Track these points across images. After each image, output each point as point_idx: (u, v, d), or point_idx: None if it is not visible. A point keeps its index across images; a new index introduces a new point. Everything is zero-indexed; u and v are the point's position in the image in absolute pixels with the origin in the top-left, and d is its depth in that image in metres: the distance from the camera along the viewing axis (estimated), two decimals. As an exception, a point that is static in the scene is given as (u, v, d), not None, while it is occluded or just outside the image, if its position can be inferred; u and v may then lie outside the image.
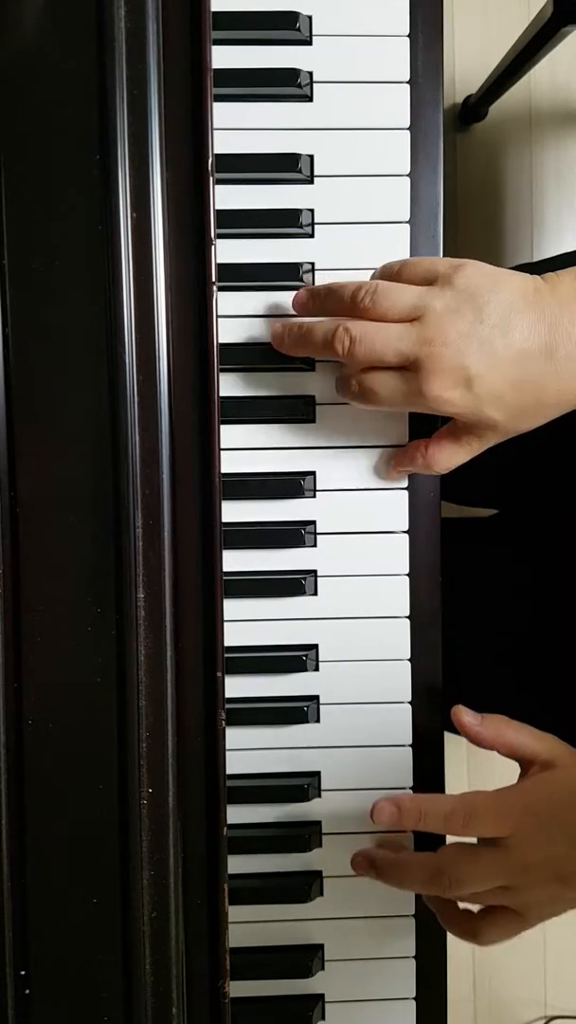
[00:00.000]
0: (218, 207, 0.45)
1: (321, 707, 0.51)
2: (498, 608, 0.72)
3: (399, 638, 0.51)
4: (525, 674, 0.69)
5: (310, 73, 0.49)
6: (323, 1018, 0.52)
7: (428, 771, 0.52)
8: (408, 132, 0.50)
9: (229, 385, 0.49)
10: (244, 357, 0.50)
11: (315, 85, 0.49)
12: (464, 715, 0.49)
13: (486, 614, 0.72)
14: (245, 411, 0.50)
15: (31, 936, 0.42)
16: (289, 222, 0.49)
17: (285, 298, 0.50)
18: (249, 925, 0.51)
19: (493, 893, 0.46)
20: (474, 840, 0.47)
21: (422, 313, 0.44)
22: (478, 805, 0.46)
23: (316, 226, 0.50)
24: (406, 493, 0.51)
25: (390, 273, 0.47)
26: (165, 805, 0.42)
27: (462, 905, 0.49)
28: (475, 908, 0.49)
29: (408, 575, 0.51)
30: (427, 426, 0.50)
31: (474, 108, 1.23)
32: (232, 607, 0.49)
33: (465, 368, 0.43)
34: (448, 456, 0.48)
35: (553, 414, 0.45)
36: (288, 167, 0.49)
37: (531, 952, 1.33)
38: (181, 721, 0.43)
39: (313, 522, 0.51)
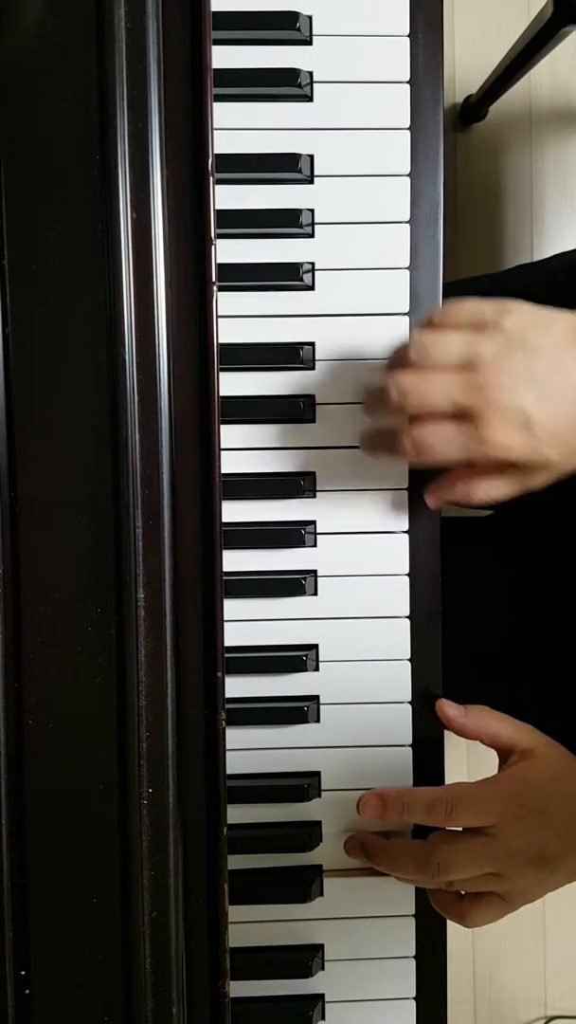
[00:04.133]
0: (218, 207, 0.45)
1: (321, 707, 0.51)
2: (496, 609, 0.72)
3: (399, 638, 0.51)
4: (524, 674, 0.69)
5: (310, 73, 0.49)
6: (323, 1018, 0.52)
7: (428, 771, 0.52)
8: (408, 132, 0.50)
9: (229, 385, 0.49)
10: (244, 357, 0.50)
11: (315, 85, 0.49)
12: (448, 708, 0.51)
13: (483, 614, 0.72)
14: (245, 411, 0.50)
15: (31, 936, 0.42)
16: (289, 222, 0.49)
17: (285, 298, 0.50)
18: (249, 925, 0.51)
19: (481, 880, 0.47)
20: (461, 829, 0.49)
21: (473, 360, 0.43)
22: (460, 795, 0.48)
23: (316, 226, 0.50)
24: (406, 493, 0.51)
25: (431, 322, 0.46)
26: (165, 805, 0.42)
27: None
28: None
29: (408, 575, 0.51)
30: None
31: (474, 108, 1.23)
32: (232, 607, 0.49)
33: (523, 411, 0.42)
34: (489, 488, 0.46)
35: None
36: (288, 167, 0.49)
37: (531, 952, 1.33)
38: (181, 721, 0.43)
39: (313, 522, 0.51)
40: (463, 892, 0.49)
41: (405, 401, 0.44)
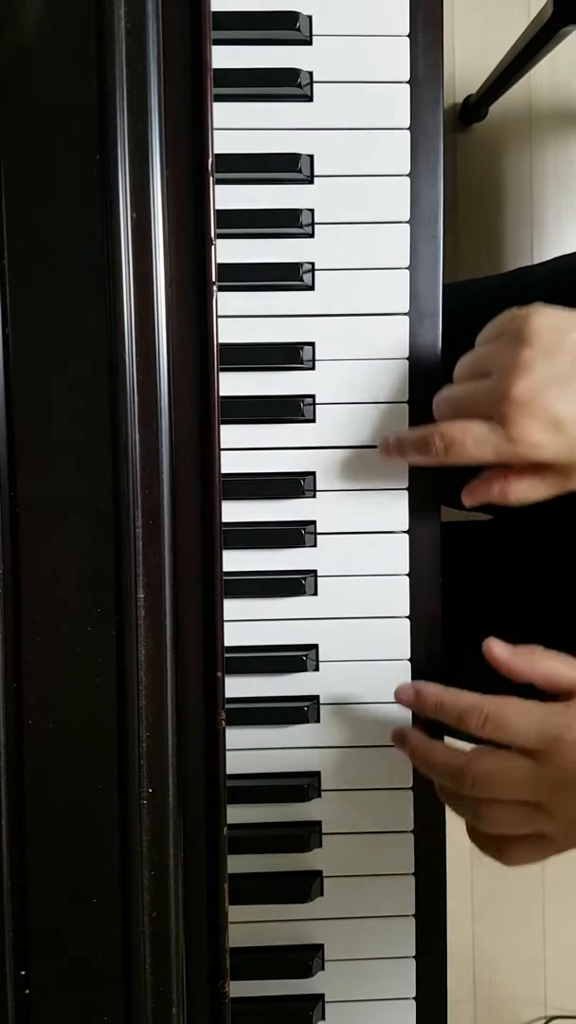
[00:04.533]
0: (218, 207, 0.45)
1: (321, 707, 0.51)
2: (495, 610, 0.72)
3: (399, 638, 0.51)
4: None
5: (310, 73, 0.49)
6: (323, 1018, 0.52)
7: (428, 771, 0.52)
8: (408, 132, 0.50)
9: (229, 385, 0.49)
10: (244, 357, 0.50)
11: (315, 85, 0.49)
12: (495, 647, 0.48)
13: (483, 616, 0.72)
14: (245, 411, 0.50)
15: (31, 936, 0.42)
16: (289, 222, 0.49)
17: (285, 298, 0.50)
18: (249, 925, 0.51)
19: (523, 814, 0.44)
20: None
21: (501, 363, 0.44)
22: (506, 707, 0.45)
23: (316, 226, 0.50)
24: (406, 493, 0.51)
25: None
26: (165, 805, 0.42)
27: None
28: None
29: (408, 575, 0.51)
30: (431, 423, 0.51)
31: (474, 108, 1.23)
32: (232, 607, 0.49)
33: (550, 411, 0.43)
34: (527, 489, 0.46)
35: None
36: (288, 167, 0.49)
37: (531, 952, 1.33)
38: (181, 721, 0.43)
39: (313, 522, 0.51)
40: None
41: (437, 411, 0.48)
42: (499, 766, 0.44)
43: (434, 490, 0.51)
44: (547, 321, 0.44)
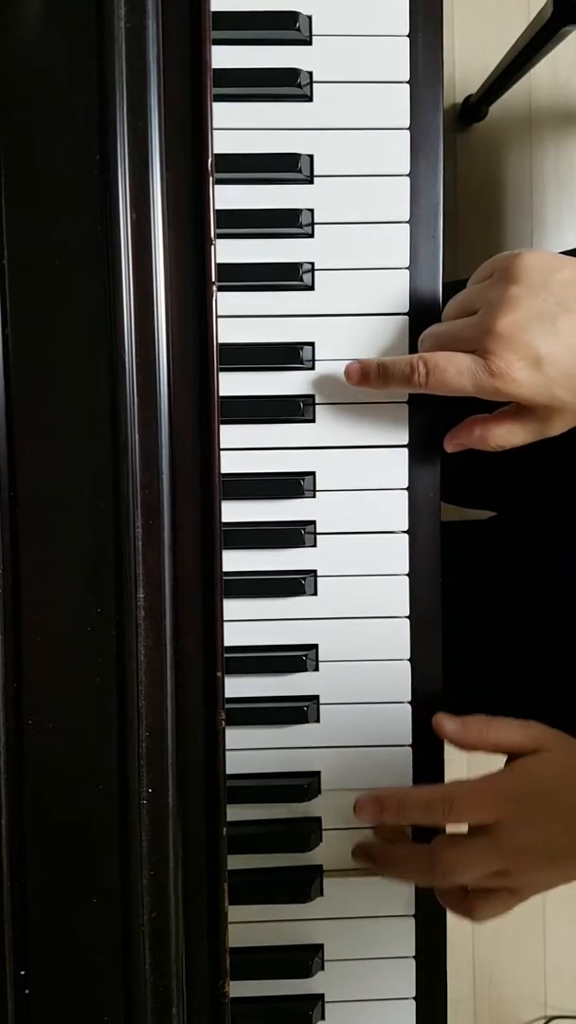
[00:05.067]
0: (218, 207, 0.45)
1: (321, 707, 0.51)
2: (495, 609, 0.72)
3: (399, 638, 0.51)
4: (524, 674, 0.69)
5: (310, 73, 0.49)
6: (323, 1018, 0.52)
7: (428, 771, 0.52)
8: (408, 132, 0.50)
9: (229, 385, 0.49)
10: (244, 357, 0.50)
11: (315, 85, 0.49)
12: (444, 723, 0.50)
13: (483, 615, 0.72)
14: (245, 411, 0.50)
15: (31, 936, 0.42)
16: (289, 222, 0.49)
17: (285, 298, 0.50)
18: (249, 925, 0.51)
19: (488, 878, 0.47)
20: (466, 829, 0.48)
21: (488, 300, 0.45)
22: (458, 794, 0.47)
23: (316, 226, 0.50)
24: (406, 493, 0.51)
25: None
26: (165, 805, 0.42)
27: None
28: None
29: (408, 575, 0.51)
30: (428, 426, 0.51)
31: (474, 108, 1.23)
32: (232, 607, 0.49)
33: (531, 347, 0.43)
34: (505, 433, 0.47)
35: None
36: (288, 167, 0.49)
37: (531, 952, 1.33)
38: (181, 721, 0.43)
39: (313, 522, 0.51)
40: (469, 889, 0.49)
41: (422, 346, 0.48)
42: (462, 852, 0.47)
43: (434, 489, 0.51)
44: (536, 260, 0.45)
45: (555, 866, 0.46)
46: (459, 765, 1.33)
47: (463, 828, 0.48)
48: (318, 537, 0.51)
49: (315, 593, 0.51)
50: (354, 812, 0.50)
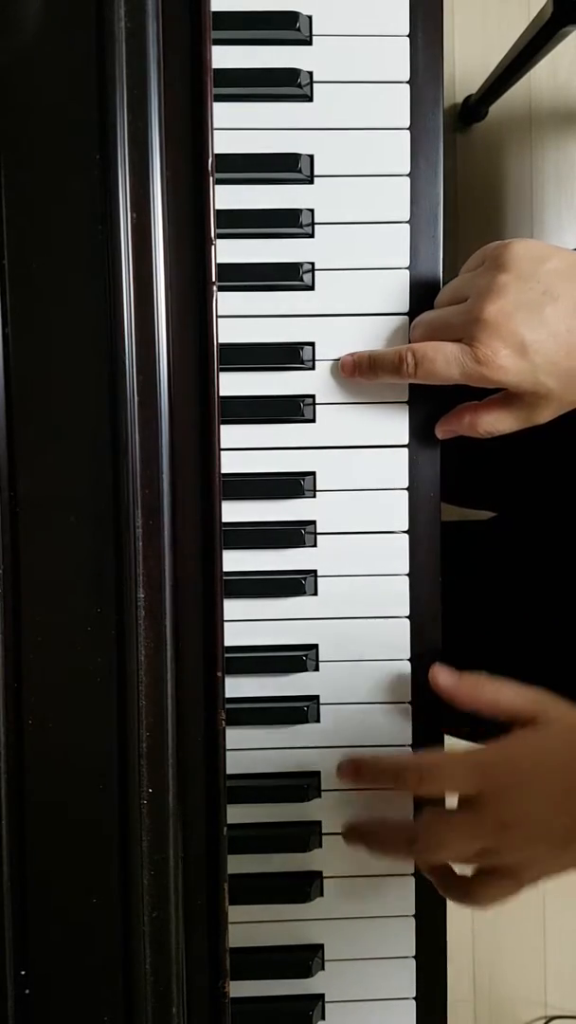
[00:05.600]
0: (218, 207, 0.45)
1: (321, 707, 0.51)
2: (495, 610, 0.72)
3: (399, 638, 0.51)
4: (524, 673, 0.69)
5: (310, 73, 0.49)
6: (323, 1018, 0.52)
7: (428, 771, 0.52)
8: (408, 132, 0.50)
9: (229, 385, 0.49)
10: (244, 357, 0.50)
11: (315, 85, 0.49)
12: (440, 675, 0.49)
13: (483, 616, 0.72)
14: (245, 411, 0.50)
15: (31, 936, 0.42)
16: (289, 222, 0.49)
17: (285, 298, 0.50)
18: (249, 925, 0.51)
19: (478, 856, 0.45)
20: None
21: (477, 289, 0.45)
22: (435, 763, 0.46)
23: (316, 226, 0.50)
24: (406, 493, 0.51)
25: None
26: (165, 805, 0.42)
27: (457, 869, 0.48)
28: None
29: (408, 575, 0.51)
30: (428, 426, 0.51)
31: (474, 108, 1.23)
32: (232, 607, 0.49)
33: (517, 334, 0.44)
34: (494, 420, 0.48)
35: None
36: (288, 167, 0.49)
37: (531, 952, 1.33)
38: (181, 721, 0.43)
39: (313, 522, 0.51)
40: (472, 873, 0.47)
41: (413, 333, 0.48)
42: (445, 826, 0.45)
43: (434, 489, 0.51)
44: (526, 249, 0.45)
45: (553, 849, 0.44)
46: (459, 765, 1.32)
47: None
48: (318, 537, 0.51)
49: (315, 593, 0.51)
50: (337, 774, 0.49)
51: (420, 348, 0.46)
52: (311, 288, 0.50)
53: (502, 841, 0.44)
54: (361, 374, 0.49)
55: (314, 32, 0.49)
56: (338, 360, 0.50)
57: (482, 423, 0.48)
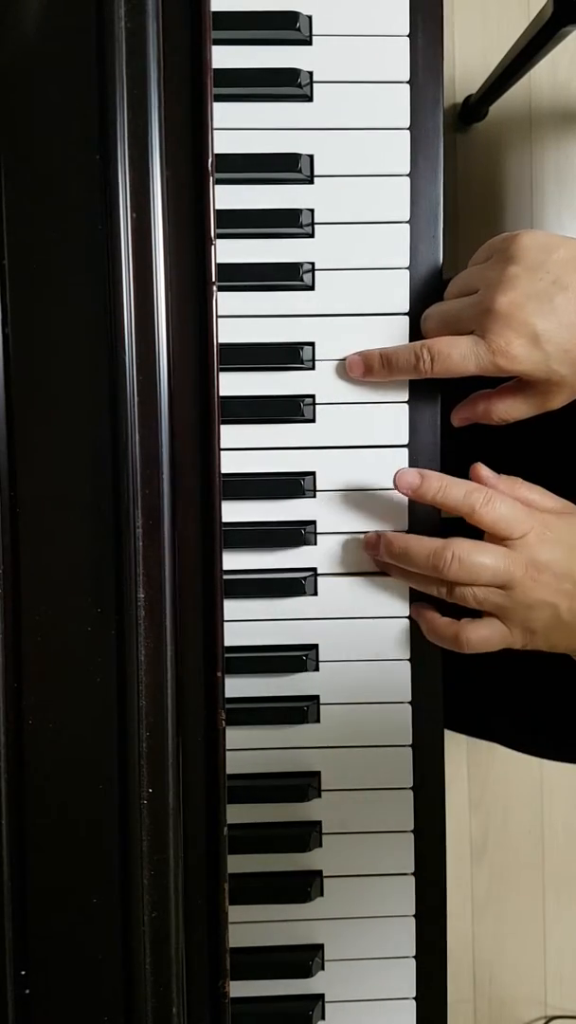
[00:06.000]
0: (218, 207, 0.45)
1: (321, 707, 0.51)
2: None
3: (399, 638, 0.51)
4: (524, 672, 0.69)
5: (310, 73, 0.49)
6: (323, 1018, 0.52)
7: (428, 771, 0.52)
8: (408, 132, 0.50)
9: (229, 385, 0.49)
10: (244, 357, 0.50)
11: (315, 85, 0.49)
12: (483, 470, 0.49)
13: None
14: (245, 411, 0.50)
15: (31, 936, 0.42)
16: (289, 222, 0.49)
17: (285, 298, 0.50)
18: (249, 925, 0.51)
19: (489, 591, 0.46)
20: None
21: (487, 281, 0.46)
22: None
23: (316, 226, 0.50)
24: (406, 493, 0.51)
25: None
26: (165, 805, 0.42)
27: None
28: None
29: (408, 575, 0.51)
30: (429, 426, 0.51)
31: (474, 108, 1.22)
32: (232, 607, 0.49)
33: (529, 324, 0.44)
34: (508, 407, 0.49)
35: None
36: (288, 167, 0.49)
37: (531, 952, 1.33)
38: (181, 721, 0.43)
39: (313, 522, 0.51)
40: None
41: (425, 326, 0.49)
42: (479, 547, 0.46)
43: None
44: (534, 240, 0.46)
45: (559, 599, 0.46)
46: (459, 766, 1.33)
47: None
48: (318, 537, 0.51)
49: (315, 593, 0.51)
50: (394, 483, 0.49)
51: (435, 344, 0.47)
52: (311, 288, 0.50)
53: (524, 578, 0.46)
54: (374, 374, 0.49)
55: (314, 32, 0.49)
56: (338, 360, 0.50)
57: (496, 410, 0.49)
